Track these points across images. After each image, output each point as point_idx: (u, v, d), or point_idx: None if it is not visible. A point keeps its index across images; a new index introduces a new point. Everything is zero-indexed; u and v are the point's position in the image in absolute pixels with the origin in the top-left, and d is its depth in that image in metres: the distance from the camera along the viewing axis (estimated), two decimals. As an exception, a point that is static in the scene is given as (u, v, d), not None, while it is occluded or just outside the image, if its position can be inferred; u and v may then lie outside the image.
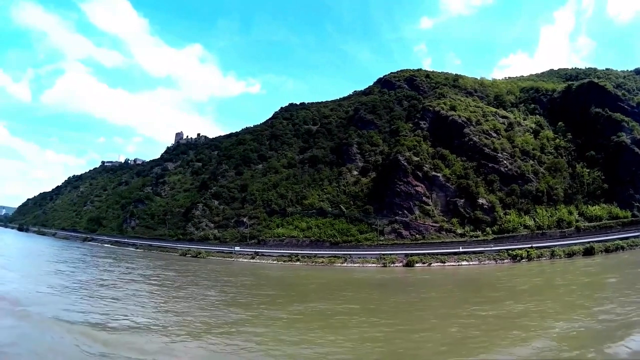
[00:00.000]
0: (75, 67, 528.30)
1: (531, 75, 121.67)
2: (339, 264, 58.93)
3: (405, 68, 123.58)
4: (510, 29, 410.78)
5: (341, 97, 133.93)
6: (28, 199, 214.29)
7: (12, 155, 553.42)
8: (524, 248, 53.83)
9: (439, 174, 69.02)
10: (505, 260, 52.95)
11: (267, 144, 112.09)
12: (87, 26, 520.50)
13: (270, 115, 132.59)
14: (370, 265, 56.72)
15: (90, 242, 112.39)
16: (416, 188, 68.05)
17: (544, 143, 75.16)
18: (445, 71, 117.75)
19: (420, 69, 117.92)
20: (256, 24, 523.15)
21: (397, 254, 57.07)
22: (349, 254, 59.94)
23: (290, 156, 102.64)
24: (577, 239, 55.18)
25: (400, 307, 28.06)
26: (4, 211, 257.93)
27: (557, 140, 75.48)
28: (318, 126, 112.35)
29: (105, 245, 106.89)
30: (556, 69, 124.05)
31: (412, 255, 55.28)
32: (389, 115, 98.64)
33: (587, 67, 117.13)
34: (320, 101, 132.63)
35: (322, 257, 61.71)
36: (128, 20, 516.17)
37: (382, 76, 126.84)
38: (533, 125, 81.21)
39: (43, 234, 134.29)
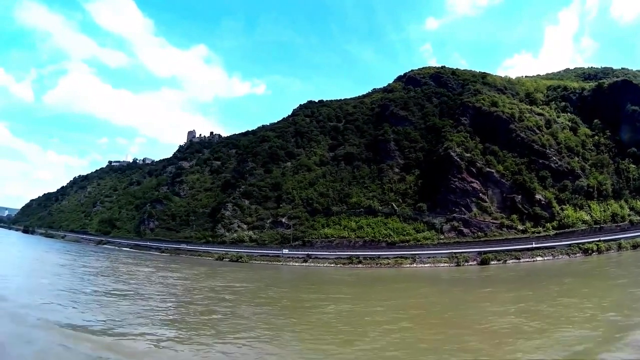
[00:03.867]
0: (79, 68, 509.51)
1: (548, 74, 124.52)
2: (407, 265, 57.56)
3: (428, 65, 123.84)
4: (515, 29, 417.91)
5: (361, 94, 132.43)
6: (31, 200, 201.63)
7: (13, 156, 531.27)
8: (592, 242, 54.61)
9: (492, 170, 68.94)
10: (578, 254, 53.52)
11: (292, 141, 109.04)
12: (92, 26, 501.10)
13: (282, 115, 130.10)
14: (442, 265, 55.78)
15: (105, 246, 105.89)
16: (472, 184, 67.68)
17: (584, 140, 76.84)
18: (469, 69, 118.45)
19: (445, 66, 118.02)
20: (261, 25, 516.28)
21: (468, 252, 56.41)
22: (417, 254, 58.66)
23: (320, 153, 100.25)
24: (638, 232, 56.69)
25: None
26: (6, 212, 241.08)
27: (597, 137, 77.29)
28: (343, 123, 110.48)
29: (124, 249, 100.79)
30: (572, 67, 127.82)
31: (485, 252, 54.80)
32: (421, 112, 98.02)
33: (603, 66, 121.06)
34: (339, 99, 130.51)
35: (387, 258, 60.09)
36: (133, 21, 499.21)
37: (402, 73, 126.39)
38: (569, 123, 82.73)
39: (51, 236, 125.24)
